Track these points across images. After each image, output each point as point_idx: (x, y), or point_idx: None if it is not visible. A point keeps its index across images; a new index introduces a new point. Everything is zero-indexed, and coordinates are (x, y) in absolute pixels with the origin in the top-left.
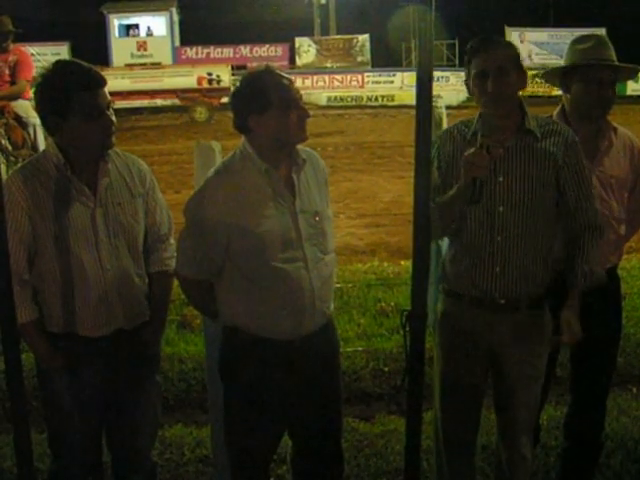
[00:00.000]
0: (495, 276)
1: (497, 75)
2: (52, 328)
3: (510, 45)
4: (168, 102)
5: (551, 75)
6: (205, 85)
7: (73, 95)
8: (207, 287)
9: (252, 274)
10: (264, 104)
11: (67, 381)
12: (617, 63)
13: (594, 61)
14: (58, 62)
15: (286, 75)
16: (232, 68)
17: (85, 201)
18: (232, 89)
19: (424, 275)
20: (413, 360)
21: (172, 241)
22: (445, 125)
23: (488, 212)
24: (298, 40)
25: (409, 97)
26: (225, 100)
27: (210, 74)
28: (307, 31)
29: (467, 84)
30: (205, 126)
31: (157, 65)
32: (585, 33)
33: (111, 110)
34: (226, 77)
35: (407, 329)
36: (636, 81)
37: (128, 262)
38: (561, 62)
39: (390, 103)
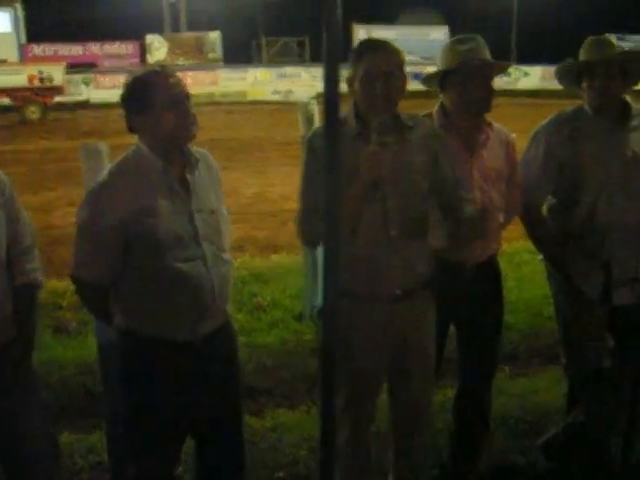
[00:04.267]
0: (391, 270)
1: (386, 78)
2: None
3: (398, 51)
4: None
5: (432, 77)
6: (37, 84)
7: None
8: (104, 290)
9: (151, 275)
10: (146, 104)
11: None
12: (500, 62)
13: (479, 61)
14: None
15: (173, 74)
16: (70, 66)
17: None
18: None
19: (335, 270)
20: (326, 354)
21: (36, 252)
22: (317, 122)
23: (382, 209)
24: (149, 37)
25: (261, 93)
26: (59, 99)
27: (41, 72)
28: (158, 28)
29: (350, 83)
30: (55, 125)
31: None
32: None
33: None
34: (59, 76)
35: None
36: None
37: None
38: (409, 58)
39: (243, 99)
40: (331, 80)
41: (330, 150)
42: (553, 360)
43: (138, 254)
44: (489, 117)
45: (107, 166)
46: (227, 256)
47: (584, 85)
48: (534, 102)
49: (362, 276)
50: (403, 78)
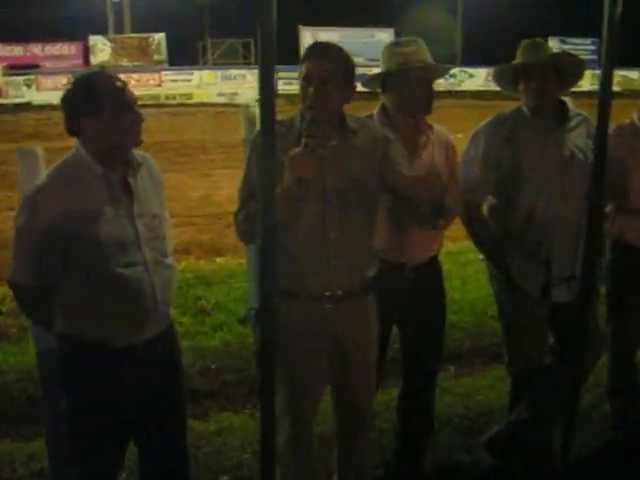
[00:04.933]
0: (331, 270)
1: (318, 86)
2: None
3: (342, 55)
4: None
5: (373, 79)
6: None
7: None
8: (41, 295)
9: (91, 280)
10: (96, 107)
11: None
12: (441, 64)
13: (419, 64)
14: None
15: (119, 78)
16: (11, 68)
17: None
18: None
19: (272, 272)
20: (265, 355)
21: None
22: (259, 124)
23: (320, 210)
24: (92, 38)
25: (207, 95)
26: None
27: None
28: (102, 29)
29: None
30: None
31: None
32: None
33: None
34: None
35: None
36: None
37: None
38: (354, 60)
39: (189, 101)
40: (266, 80)
41: (266, 150)
42: (497, 359)
43: (78, 259)
44: (434, 117)
45: (43, 169)
46: (169, 261)
47: (521, 87)
48: (478, 103)
49: (302, 276)
50: (347, 85)
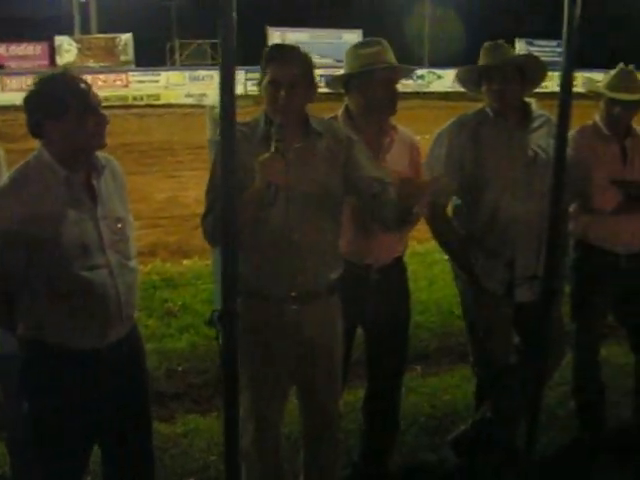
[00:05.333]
0: (296, 272)
1: (288, 88)
2: None
3: (306, 58)
4: None
5: (337, 81)
6: None
7: None
8: (5, 298)
9: (54, 284)
10: (60, 109)
11: None
12: (404, 65)
13: (383, 65)
14: None
15: (84, 79)
16: None
17: None
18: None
19: (234, 273)
20: (228, 357)
21: None
22: None
23: (284, 212)
24: (58, 39)
25: (175, 96)
26: None
27: None
28: (68, 29)
29: (260, 86)
30: None
31: None
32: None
33: None
34: None
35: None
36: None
37: None
38: (322, 61)
39: (156, 102)
40: (227, 80)
41: (225, 152)
42: (463, 358)
43: (42, 262)
44: (402, 118)
45: (5, 170)
46: (133, 264)
47: (484, 89)
48: (446, 104)
49: (267, 277)
50: (311, 86)
